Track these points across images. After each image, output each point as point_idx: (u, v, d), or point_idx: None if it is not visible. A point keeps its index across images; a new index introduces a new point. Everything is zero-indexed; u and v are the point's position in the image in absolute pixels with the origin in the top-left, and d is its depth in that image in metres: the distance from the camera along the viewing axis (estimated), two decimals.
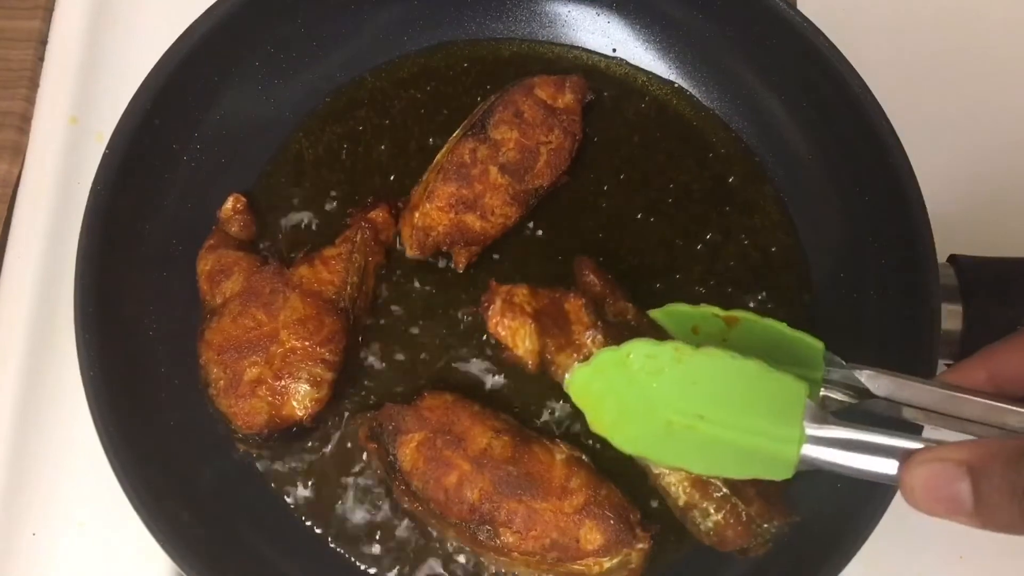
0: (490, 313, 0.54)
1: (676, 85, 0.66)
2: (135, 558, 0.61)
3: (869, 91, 0.56)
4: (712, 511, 0.51)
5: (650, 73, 0.66)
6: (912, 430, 0.44)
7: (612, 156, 0.64)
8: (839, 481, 0.55)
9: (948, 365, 0.55)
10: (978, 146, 0.69)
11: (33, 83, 0.70)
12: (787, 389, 0.43)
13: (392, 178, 0.63)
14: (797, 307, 0.62)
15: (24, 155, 0.68)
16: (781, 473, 0.43)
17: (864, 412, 0.46)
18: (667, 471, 0.52)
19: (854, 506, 0.52)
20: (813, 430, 0.42)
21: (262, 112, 0.63)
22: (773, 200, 0.64)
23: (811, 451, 0.42)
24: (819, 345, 0.47)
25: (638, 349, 0.46)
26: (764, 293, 0.62)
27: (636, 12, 0.66)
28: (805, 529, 0.55)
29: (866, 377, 0.44)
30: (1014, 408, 0.40)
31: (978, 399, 0.41)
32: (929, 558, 0.62)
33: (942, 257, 0.57)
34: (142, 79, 0.57)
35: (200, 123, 0.61)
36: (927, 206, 0.55)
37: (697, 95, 0.66)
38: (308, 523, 0.58)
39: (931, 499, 0.35)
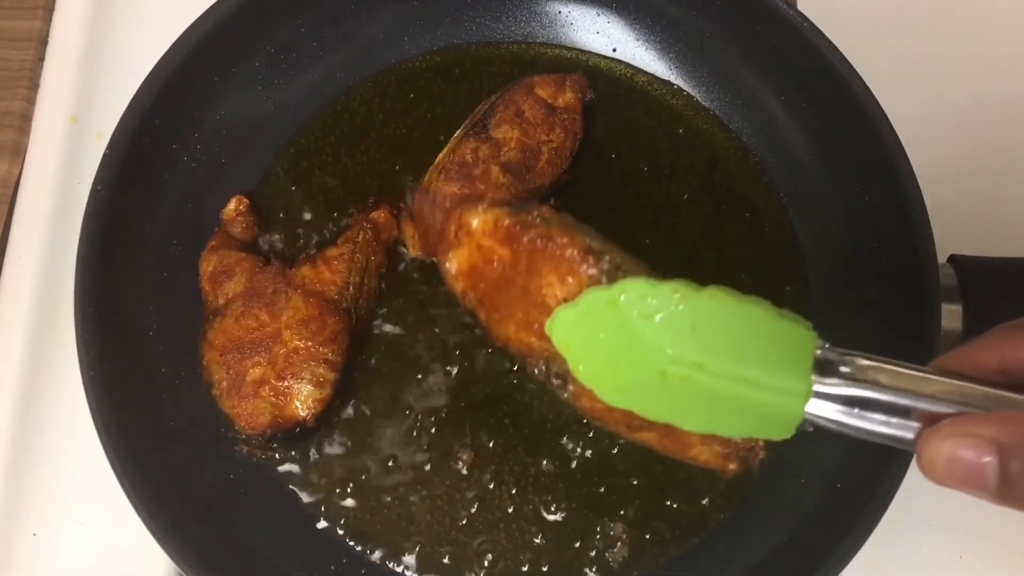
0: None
1: (675, 85, 0.66)
2: (135, 558, 0.60)
3: (869, 91, 0.56)
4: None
5: (650, 73, 0.66)
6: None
7: (612, 156, 0.64)
8: (839, 481, 0.56)
9: None
10: (978, 146, 0.69)
11: (33, 83, 0.70)
12: (795, 337, 0.39)
13: (393, 178, 0.63)
14: (796, 307, 0.62)
15: (24, 155, 0.68)
16: (782, 432, 0.40)
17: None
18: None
19: (855, 506, 0.52)
20: (821, 384, 0.38)
21: (263, 112, 0.63)
22: (773, 200, 0.64)
23: (817, 407, 0.38)
24: (805, 325, 0.42)
25: (632, 289, 0.40)
26: (763, 293, 0.62)
27: (636, 12, 0.66)
28: (806, 529, 0.55)
29: (854, 364, 0.39)
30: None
31: (988, 389, 0.36)
32: (929, 558, 0.62)
33: (942, 257, 0.57)
34: (142, 79, 0.57)
35: (200, 123, 0.61)
36: (927, 206, 0.55)
37: (697, 95, 0.66)
38: (309, 523, 0.58)
39: (952, 473, 0.33)
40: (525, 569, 0.57)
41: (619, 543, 0.58)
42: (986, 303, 0.55)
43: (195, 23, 0.58)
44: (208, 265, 0.58)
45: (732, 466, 0.46)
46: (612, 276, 0.42)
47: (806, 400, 0.38)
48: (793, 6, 0.59)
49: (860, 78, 0.57)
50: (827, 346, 0.40)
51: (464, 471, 0.58)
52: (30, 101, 0.69)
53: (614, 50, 0.67)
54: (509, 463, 0.59)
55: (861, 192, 0.59)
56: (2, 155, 0.68)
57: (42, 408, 0.63)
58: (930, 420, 0.36)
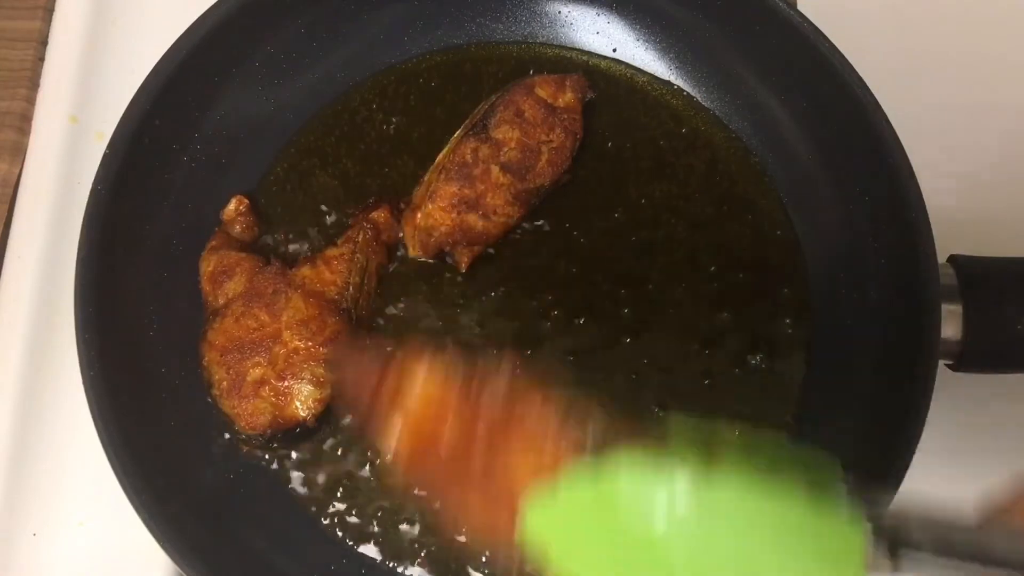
0: None
1: (675, 85, 0.66)
2: (135, 558, 0.60)
3: (869, 91, 0.56)
4: None
5: (650, 73, 0.66)
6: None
7: (612, 157, 0.64)
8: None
9: (948, 365, 0.55)
10: (978, 146, 0.69)
11: (33, 83, 0.70)
12: (842, 535, 0.32)
13: (393, 178, 0.63)
14: (796, 307, 0.62)
15: (24, 155, 0.68)
16: None
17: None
18: None
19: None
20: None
21: (262, 112, 0.63)
22: (773, 200, 0.64)
23: None
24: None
25: (627, 482, 0.32)
26: (763, 293, 0.62)
27: (636, 12, 0.66)
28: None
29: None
30: None
31: None
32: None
33: (942, 257, 0.57)
34: (142, 79, 0.57)
35: (200, 123, 0.61)
36: (927, 206, 0.55)
37: (696, 95, 0.66)
38: (308, 522, 0.58)
39: None
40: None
41: None
42: (986, 303, 0.55)
43: (195, 23, 0.58)
44: (208, 265, 0.59)
45: None
46: (598, 446, 0.33)
47: None
48: (793, 6, 0.59)
49: (860, 78, 0.57)
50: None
51: None
52: (30, 101, 0.69)
53: (614, 50, 0.67)
54: None
55: (861, 192, 0.59)
56: (2, 155, 0.68)
57: (42, 408, 0.63)
58: None
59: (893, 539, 0.33)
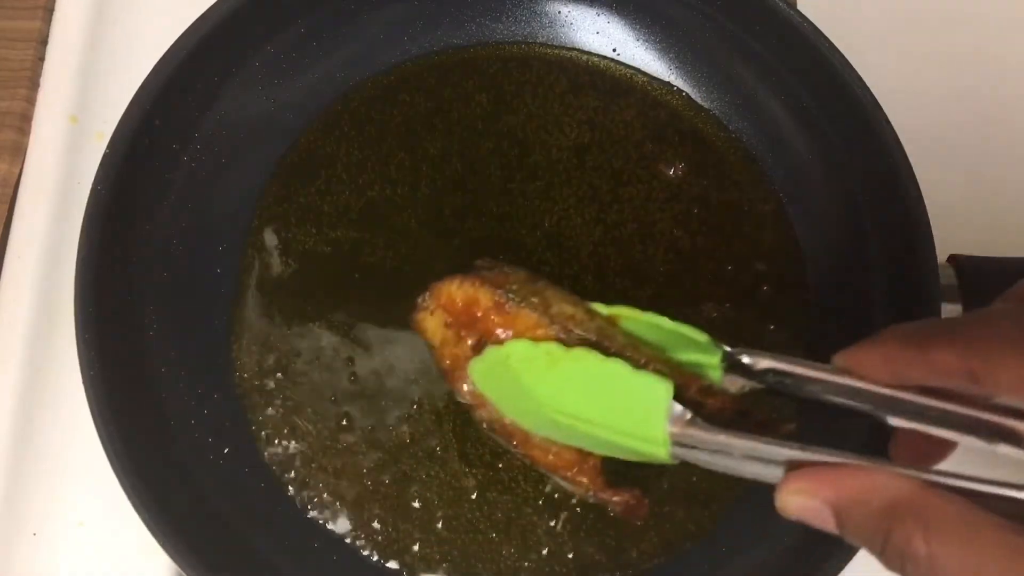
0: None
1: (675, 86, 0.66)
2: (135, 558, 0.60)
3: (869, 91, 0.56)
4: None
5: (650, 73, 0.66)
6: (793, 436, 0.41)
7: (611, 157, 0.64)
8: None
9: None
10: (978, 145, 0.69)
11: (33, 83, 0.70)
12: (651, 390, 0.42)
13: (393, 177, 0.63)
14: (796, 307, 0.62)
15: (24, 155, 0.68)
16: (665, 461, 0.42)
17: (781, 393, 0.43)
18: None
19: None
20: (678, 433, 0.40)
21: (263, 112, 0.63)
22: (773, 200, 0.64)
23: (682, 452, 0.41)
24: (703, 337, 0.45)
25: (516, 351, 0.46)
26: (763, 292, 0.62)
27: (636, 12, 0.66)
28: (806, 529, 0.55)
29: (757, 365, 0.42)
30: (922, 402, 0.38)
31: (878, 391, 0.39)
32: None
33: (942, 257, 0.57)
34: (142, 79, 0.57)
35: (200, 123, 0.61)
36: (927, 206, 0.55)
37: (696, 95, 0.66)
38: (312, 524, 0.58)
39: (803, 521, 0.36)
40: (526, 565, 0.57)
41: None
42: (986, 303, 0.55)
43: (195, 23, 0.58)
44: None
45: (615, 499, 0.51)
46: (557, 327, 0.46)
47: (666, 447, 0.41)
48: (793, 6, 0.59)
49: (860, 78, 0.57)
50: (726, 375, 0.44)
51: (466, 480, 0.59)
52: (30, 101, 0.69)
53: (614, 50, 0.67)
54: (512, 477, 0.59)
55: (861, 192, 0.59)
56: (2, 155, 0.68)
57: (42, 408, 0.63)
58: (789, 465, 0.38)
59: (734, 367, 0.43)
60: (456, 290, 0.50)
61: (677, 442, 0.41)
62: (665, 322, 0.46)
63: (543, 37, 0.67)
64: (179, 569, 0.52)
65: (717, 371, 0.45)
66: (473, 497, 0.58)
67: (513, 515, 0.58)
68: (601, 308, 0.48)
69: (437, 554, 0.57)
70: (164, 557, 0.52)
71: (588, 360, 0.44)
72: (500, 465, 0.59)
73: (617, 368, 0.43)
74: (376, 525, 0.58)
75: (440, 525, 0.58)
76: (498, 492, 0.58)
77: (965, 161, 0.69)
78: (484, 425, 0.51)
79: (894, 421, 0.39)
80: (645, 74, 0.66)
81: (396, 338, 0.60)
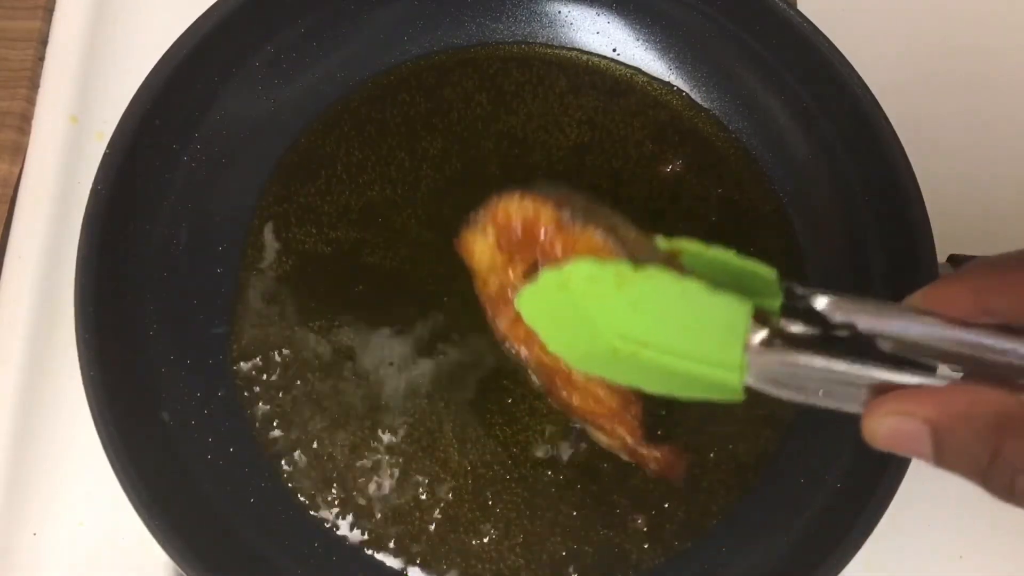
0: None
1: (675, 86, 0.66)
2: (135, 558, 0.60)
3: (869, 91, 0.56)
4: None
5: (650, 73, 0.66)
6: (881, 358, 0.38)
7: (611, 157, 0.64)
8: (839, 481, 0.56)
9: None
10: (978, 146, 0.70)
11: (33, 83, 0.70)
12: (730, 311, 0.38)
13: (393, 177, 0.63)
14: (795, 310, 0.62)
15: (24, 155, 0.68)
16: (732, 397, 0.40)
17: (834, 343, 0.41)
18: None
19: (855, 506, 0.52)
20: (758, 356, 0.38)
21: (262, 113, 0.63)
22: (773, 200, 0.64)
23: (755, 380, 0.38)
24: (770, 273, 0.42)
25: (579, 271, 0.41)
26: None
27: (636, 12, 0.66)
28: (805, 528, 0.55)
29: (823, 303, 0.39)
30: (1007, 344, 0.35)
31: (961, 333, 0.35)
32: (929, 558, 0.62)
33: (942, 257, 0.57)
34: (142, 79, 0.57)
35: (200, 123, 0.61)
36: (927, 206, 0.55)
37: (696, 95, 0.66)
38: (311, 523, 0.58)
39: (893, 447, 0.34)
40: (520, 564, 0.57)
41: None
42: None
43: (195, 23, 0.58)
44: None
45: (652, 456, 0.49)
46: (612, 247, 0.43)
47: (742, 372, 0.38)
48: (793, 6, 0.59)
49: (860, 78, 0.57)
50: (784, 320, 0.40)
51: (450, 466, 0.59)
52: (30, 101, 0.69)
53: (614, 50, 0.67)
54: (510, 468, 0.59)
55: (861, 192, 0.59)
56: (2, 155, 0.68)
57: (42, 408, 0.63)
58: (875, 391, 0.36)
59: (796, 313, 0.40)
60: (516, 207, 0.46)
61: (753, 367, 0.38)
62: (732, 257, 0.42)
63: (543, 37, 0.67)
64: (179, 569, 0.52)
65: (777, 316, 0.41)
66: (474, 497, 0.58)
67: (514, 515, 0.58)
68: (663, 241, 0.45)
69: (438, 553, 0.57)
70: (164, 557, 0.52)
71: (661, 279, 0.40)
72: (501, 465, 0.59)
73: (693, 286, 0.39)
74: (376, 524, 0.58)
75: (440, 525, 0.58)
76: (499, 492, 0.58)
77: (965, 161, 0.69)
78: (524, 364, 0.47)
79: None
80: (645, 74, 0.66)
81: (396, 337, 0.60)
